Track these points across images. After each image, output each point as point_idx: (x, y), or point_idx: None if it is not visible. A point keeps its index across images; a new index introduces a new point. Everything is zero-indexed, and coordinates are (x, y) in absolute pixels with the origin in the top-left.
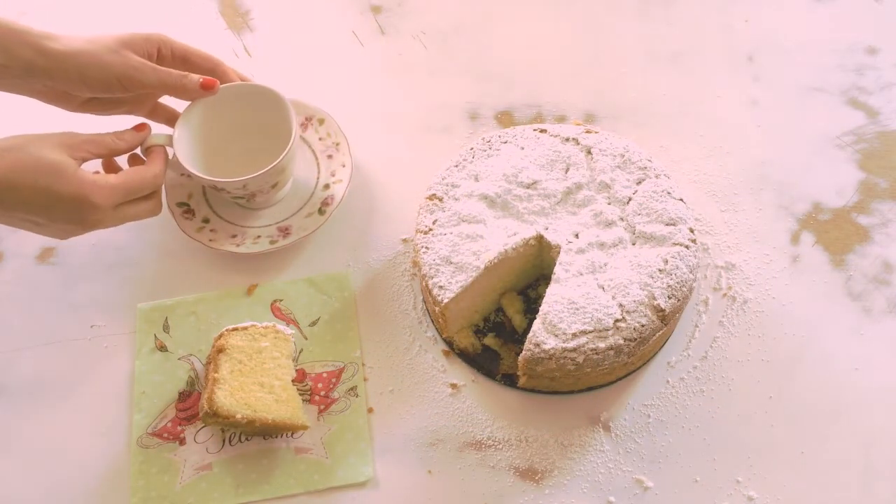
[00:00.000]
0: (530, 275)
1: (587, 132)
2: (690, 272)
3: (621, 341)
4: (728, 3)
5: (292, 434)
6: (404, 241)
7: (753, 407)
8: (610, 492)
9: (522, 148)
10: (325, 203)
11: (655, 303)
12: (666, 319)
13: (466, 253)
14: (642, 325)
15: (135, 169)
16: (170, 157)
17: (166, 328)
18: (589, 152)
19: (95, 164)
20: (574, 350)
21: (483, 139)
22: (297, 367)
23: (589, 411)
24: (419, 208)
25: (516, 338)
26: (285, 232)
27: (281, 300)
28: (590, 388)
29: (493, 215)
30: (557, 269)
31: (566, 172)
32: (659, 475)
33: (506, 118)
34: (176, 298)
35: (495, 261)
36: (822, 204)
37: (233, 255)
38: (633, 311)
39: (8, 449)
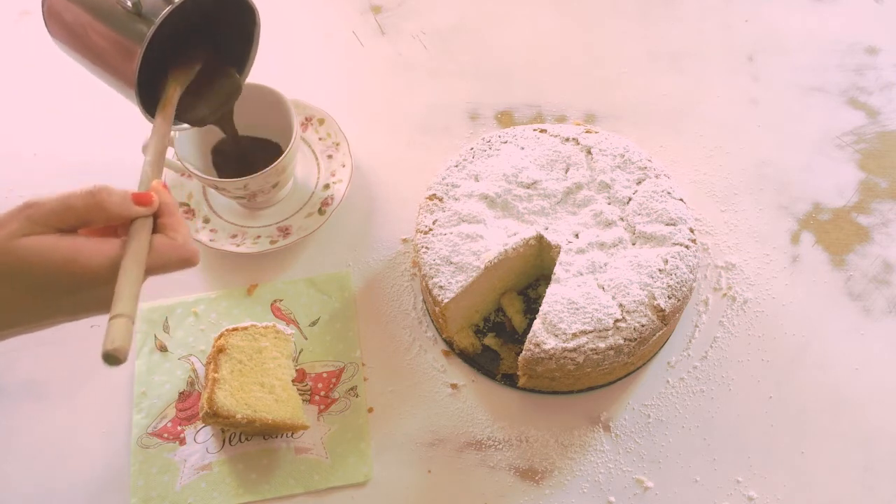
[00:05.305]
0: (530, 275)
1: (587, 132)
2: (690, 272)
3: (621, 341)
4: (728, 3)
5: (292, 434)
6: (404, 241)
7: (753, 407)
8: (610, 492)
9: (522, 148)
10: (325, 203)
11: (655, 303)
12: (666, 319)
13: (466, 253)
14: (642, 325)
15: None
16: (170, 156)
17: (166, 328)
18: (589, 152)
19: None
20: (574, 350)
21: (483, 139)
22: (297, 367)
23: (589, 411)
24: (419, 208)
25: (516, 338)
26: (285, 232)
27: (281, 300)
28: (590, 388)
29: (493, 215)
30: (557, 269)
31: (566, 172)
32: (659, 475)
33: (506, 118)
34: (176, 298)
35: (495, 261)
36: (822, 204)
37: (233, 255)
38: (633, 311)
39: (8, 449)
